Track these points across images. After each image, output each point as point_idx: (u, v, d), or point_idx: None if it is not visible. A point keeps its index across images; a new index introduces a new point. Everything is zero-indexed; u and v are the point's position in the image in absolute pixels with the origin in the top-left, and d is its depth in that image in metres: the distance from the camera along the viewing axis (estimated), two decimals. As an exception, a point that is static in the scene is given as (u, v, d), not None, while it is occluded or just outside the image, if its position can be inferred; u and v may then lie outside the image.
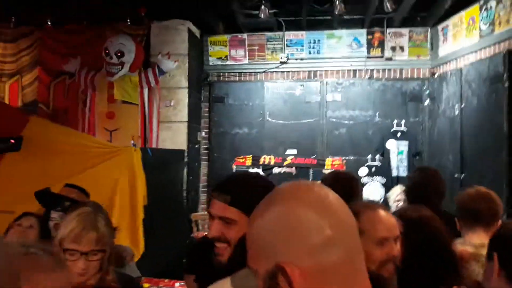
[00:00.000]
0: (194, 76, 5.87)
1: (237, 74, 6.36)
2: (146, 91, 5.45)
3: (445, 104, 5.40)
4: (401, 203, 3.70)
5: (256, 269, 0.70)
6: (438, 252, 1.58)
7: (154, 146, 5.41)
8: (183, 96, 5.57)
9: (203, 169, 6.30)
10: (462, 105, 4.97)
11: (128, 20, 5.61)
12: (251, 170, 5.60)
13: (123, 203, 3.73)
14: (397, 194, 3.94)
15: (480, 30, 4.85)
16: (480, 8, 4.86)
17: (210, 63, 6.35)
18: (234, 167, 5.70)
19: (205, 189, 6.27)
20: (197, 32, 6.05)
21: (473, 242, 2.07)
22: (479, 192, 2.22)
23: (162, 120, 5.50)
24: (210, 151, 6.27)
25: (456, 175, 5.00)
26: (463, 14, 5.21)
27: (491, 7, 4.67)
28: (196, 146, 6.06)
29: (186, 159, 5.45)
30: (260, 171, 5.59)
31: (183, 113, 5.55)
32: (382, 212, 1.49)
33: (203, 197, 6.21)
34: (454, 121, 5.12)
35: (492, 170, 4.38)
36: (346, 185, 2.33)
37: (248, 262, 0.72)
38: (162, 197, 4.54)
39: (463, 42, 5.20)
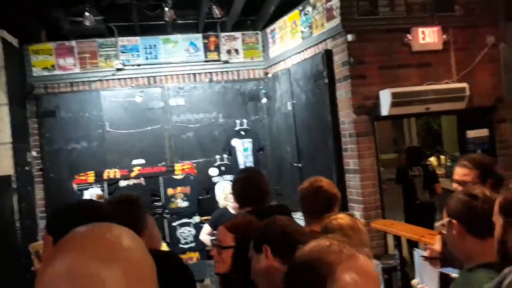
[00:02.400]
0: (15, 90, 5.17)
1: (68, 84, 5.82)
2: (-48, 111, 4.60)
3: (279, 101, 5.81)
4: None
5: None
6: None
7: (-30, 174, 4.60)
8: (3, 114, 4.85)
9: (39, 193, 5.61)
10: (293, 101, 5.41)
11: None
12: (94, 186, 5.19)
13: None
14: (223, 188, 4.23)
15: (302, 32, 5.34)
16: (300, 13, 5.35)
17: (34, 74, 5.68)
18: (75, 185, 5.20)
19: (43, 214, 5.60)
20: (14, 40, 5.34)
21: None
22: (311, 187, 2.30)
23: (-22, 143, 4.71)
24: (45, 171, 5.62)
25: (294, 165, 5.44)
26: (287, 18, 5.68)
27: (308, 11, 5.17)
28: (27, 168, 5.35)
29: (14, 185, 4.77)
30: (105, 186, 5.22)
31: (5, 133, 4.83)
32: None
33: (42, 224, 5.54)
34: (288, 116, 5.55)
35: (323, 156, 4.87)
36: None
37: None
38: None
39: (289, 44, 5.67)
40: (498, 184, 2.37)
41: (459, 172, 2.36)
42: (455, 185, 2.35)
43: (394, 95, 4.38)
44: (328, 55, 4.77)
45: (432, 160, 8.71)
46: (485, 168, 2.35)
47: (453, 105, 4.57)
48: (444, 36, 4.72)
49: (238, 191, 2.63)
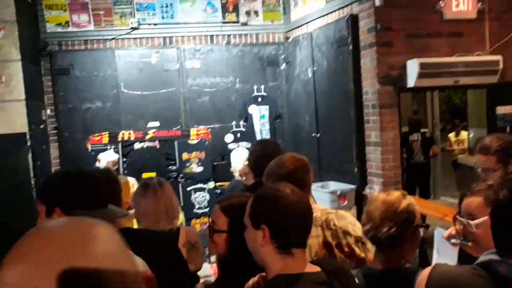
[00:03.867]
0: (28, 46, 5.03)
1: (83, 42, 5.67)
2: (-34, 66, 4.51)
3: (299, 67, 5.60)
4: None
5: None
6: None
7: (-16, 131, 4.56)
8: (16, 70, 4.74)
9: (54, 152, 5.59)
10: (314, 68, 5.20)
11: None
12: (109, 147, 5.14)
13: None
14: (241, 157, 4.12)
15: (326, -5, 5.05)
16: (325, -27, 5.04)
17: (48, 31, 5.53)
18: (89, 146, 5.15)
19: (58, 173, 5.60)
20: (27, -7, 5.16)
21: None
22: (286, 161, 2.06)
23: (-8, 100, 4.64)
24: (59, 130, 5.56)
25: (313, 134, 5.30)
26: (310, -21, 5.37)
27: (334, -28, 4.87)
28: (41, 127, 5.30)
29: (28, 143, 4.73)
30: (119, 148, 5.17)
31: (18, 90, 4.74)
32: None
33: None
34: (308, 84, 5.36)
35: (343, 127, 4.72)
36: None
37: None
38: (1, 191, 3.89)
39: (311, 7, 5.39)
40: None
41: (478, 159, 2.27)
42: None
43: (422, 65, 4.16)
44: (353, 20, 4.51)
45: (451, 136, 8.49)
46: (504, 150, 2.22)
47: (485, 79, 4.33)
48: (479, 4, 4.41)
49: (254, 161, 2.55)
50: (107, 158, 4.09)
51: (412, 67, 4.20)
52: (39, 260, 0.59)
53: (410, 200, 1.62)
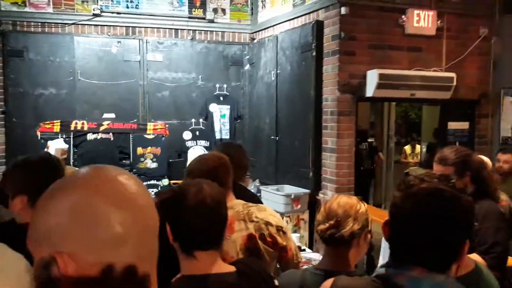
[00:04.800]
0: (-21, 23, 4.75)
1: (39, 24, 5.40)
2: None
3: (263, 69, 5.59)
4: None
5: (34, 256, 0.65)
6: None
7: None
8: (-37, 47, 4.46)
9: (0, 137, 5.29)
10: (278, 71, 5.21)
11: None
12: (60, 137, 4.92)
13: None
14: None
15: (294, -1, 5.08)
16: (294, -22, 5.07)
17: (3, 9, 5.23)
18: (38, 133, 4.91)
19: (3, 160, 5.30)
20: (-19, -33, 4.87)
21: None
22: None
23: None
24: (7, 115, 5.27)
25: (272, 137, 5.29)
26: (279, -18, 5.38)
27: (303, -23, 4.90)
28: (-13, 110, 5.01)
29: (-29, 126, 4.44)
30: (71, 137, 4.96)
31: (-37, 69, 4.46)
32: None
33: (1, 170, 5.24)
34: (271, 86, 5.36)
35: (301, 132, 4.74)
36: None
37: (27, 245, 0.66)
38: None
39: (279, 10, 5.40)
40: (476, 176, 2.33)
41: (436, 169, 2.31)
42: None
43: (381, 76, 4.25)
44: (318, 26, 4.55)
45: (406, 148, 8.76)
46: (461, 162, 2.29)
47: (439, 94, 4.48)
48: (439, 22, 4.57)
49: None
50: (55, 146, 3.91)
51: (372, 77, 4.28)
52: (98, 188, 0.65)
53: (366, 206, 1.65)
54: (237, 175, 2.27)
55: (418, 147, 8.66)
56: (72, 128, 4.99)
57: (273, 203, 4.48)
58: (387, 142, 8.18)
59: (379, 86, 4.26)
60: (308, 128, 4.61)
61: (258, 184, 5.08)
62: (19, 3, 5.28)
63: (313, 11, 4.71)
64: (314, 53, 4.54)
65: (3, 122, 5.28)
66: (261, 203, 2.36)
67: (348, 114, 4.36)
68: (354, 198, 1.65)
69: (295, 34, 4.91)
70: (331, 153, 4.39)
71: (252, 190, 5.20)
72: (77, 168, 3.85)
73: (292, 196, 4.38)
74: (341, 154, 4.32)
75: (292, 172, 4.89)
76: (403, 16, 4.47)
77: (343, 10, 4.27)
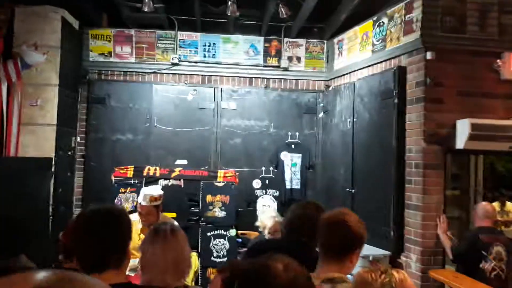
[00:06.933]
0: (69, 72, 5.06)
1: (122, 73, 5.68)
2: (5, 87, 4.54)
3: (338, 117, 5.34)
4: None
5: None
6: None
7: (12, 152, 4.50)
8: (53, 95, 4.74)
9: (78, 180, 5.47)
10: (355, 119, 4.92)
11: (-15, 0, 4.64)
12: (133, 182, 4.96)
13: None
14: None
15: (373, 45, 4.85)
16: (374, 24, 4.87)
17: (91, 59, 5.58)
18: (113, 178, 4.99)
19: (80, 203, 5.45)
20: (75, 23, 5.26)
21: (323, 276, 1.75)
22: (332, 220, 1.90)
23: (24, 122, 4.61)
24: (86, 159, 5.47)
25: (347, 189, 4.93)
26: (358, 29, 5.21)
27: (383, 23, 4.68)
28: (69, 154, 5.23)
29: (53, 169, 4.62)
30: (143, 183, 4.97)
31: (51, 115, 4.72)
32: None
33: (77, 212, 5.38)
34: (346, 135, 5.06)
35: (381, 185, 4.34)
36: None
37: None
38: (14, 214, 3.73)
39: (356, 57, 5.19)
40: None
41: None
42: None
43: (473, 126, 3.80)
44: (401, 72, 4.25)
45: (495, 205, 7.84)
46: None
47: (544, 147, 3.90)
48: (541, 66, 4.06)
49: (290, 221, 2.32)
50: (144, 192, 3.70)
51: (463, 127, 3.85)
52: None
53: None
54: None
55: (508, 204, 7.70)
56: (144, 174, 5.02)
57: (349, 263, 4.06)
58: (474, 198, 7.38)
59: (471, 138, 3.80)
60: (389, 181, 4.20)
61: (331, 240, 4.69)
62: (105, 54, 5.60)
63: (394, 57, 4.43)
64: (396, 100, 4.21)
65: (82, 166, 5.48)
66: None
67: (435, 168, 3.92)
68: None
69: (374, 80, 4.64)
70: (415, 211, 3.93)
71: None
72: (171, 220, 3.73)
73: (370, 258, 3.93)
74: (427, 213, 3.84)
75: (370, 230, 4.40)
76: (498, 60, 4.04)
77: (429, 55, 3.96)
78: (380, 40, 4.72)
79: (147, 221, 3.58)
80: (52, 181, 4.64)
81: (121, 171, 5.01)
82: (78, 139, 5.45)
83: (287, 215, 2.38)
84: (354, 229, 1.87)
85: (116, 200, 4.87)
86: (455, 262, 3.65)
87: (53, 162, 4.61)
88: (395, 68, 4.31)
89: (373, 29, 4.87)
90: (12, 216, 3.89)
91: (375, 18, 4.84)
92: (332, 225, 1.88)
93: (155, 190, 3.76)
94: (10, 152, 4.53)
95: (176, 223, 3.68)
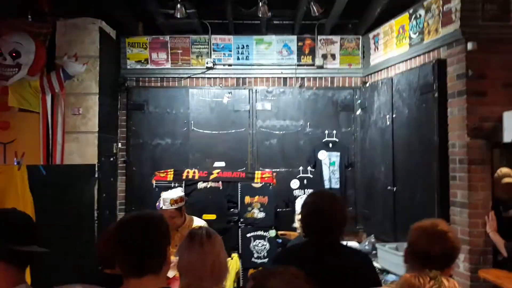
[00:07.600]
0: (108, 80, 5.23)
1: (159, 79, 5.81)
2: (49, 97, 4.73)
3: (376, 114, 5.21)
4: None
5: None
6: None
7: (58, 159, 4.69)
8: (93, 103, 4.91)
9: (120, 185, 5.65)
10: (394, 115, 4.79)
11: (29, 17, 4.86)
12: (173, 185, 5.05)
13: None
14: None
15: (410, 39, 4.71)
16: (410, 17, 4.73)
17: (128, 67, 5.74)
18: (153, 182, 5.11)
19: (123, 207, 5.62)
20: (112, 32, 5.42)
21: None
22: (434, 231, 1.83)
23: (68, 131, 4.80)
24: (128, 164, 5.63)
25: (388, 188, 4.81)
26: (393, 23, 5.07)
27: (420, 15, 4.54)
28: (111, 159, 5.40)
29: (96, 175, 4.78)
30: (183, 186, 5.06)
31: (93, 122, 4.89)
32: None
33: (120, 216, 5.55)
34: (385, 132, 4.94)
35: (424, 183, 4.20)
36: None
37: None
38: (62, 221, 3.89)
39: (393, 51, 5.06)
40: None
41: None
42: None
43: (522, 118, 3.60)
44: (440, 65, 4.10)
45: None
46: None
47: None
48: None
49: (302, 218, 2.22)
50: (164, 196, 3.83)
51: (510, 120, 3.65)
52: None
53: None
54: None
55: None
56: (184, 177, 5.10)
57: (391, 264, 3.96)
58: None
59: (520, 130, 3.60)
60: (431, 178, 4.06)
61: (373, 240, 4.59)
62: (142, 61, 5.75)
63: (433, 49, 4.28)
64: (436, 94, 4.07)
65: (124, 171, 5.65)
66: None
67: (481, 163, 3.74)
68: None
69: (412, 75, 4.50)
70: (461, 208, 3.77)
71: (366, 247, 4.71)
72: (198, 220, 3.79)
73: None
74: (474, 210, 3.68)
75: (413, 228, 4.30)
76: (546, 48, 3.81)
77: (470, 45, 3.78)
78: (418, 33, 4.57)
79: (173, 225, 3.64)
80: (96, 186, 4.80)
81: (161, 174, 5.12)
82: (120, 145, 5.62)
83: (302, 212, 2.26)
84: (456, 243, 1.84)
85: (157, 203, 4.98)
86: (511, 260, 3.47)
87: (96, 168, 4.77)
88: (434, 61, 4.16)
89: (410, 22, 4.73)
90: (60, 223, 4.03)
91: (411, 11, 4.69)
92: (434, 236, 1.82)
93: (175, 193, 3.84)
94: (56, 160, 4.72)
95: (205, 223, 3.75)
